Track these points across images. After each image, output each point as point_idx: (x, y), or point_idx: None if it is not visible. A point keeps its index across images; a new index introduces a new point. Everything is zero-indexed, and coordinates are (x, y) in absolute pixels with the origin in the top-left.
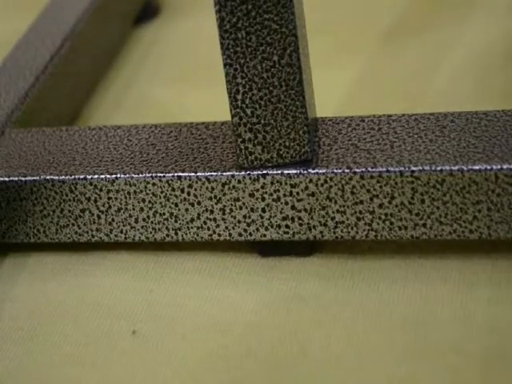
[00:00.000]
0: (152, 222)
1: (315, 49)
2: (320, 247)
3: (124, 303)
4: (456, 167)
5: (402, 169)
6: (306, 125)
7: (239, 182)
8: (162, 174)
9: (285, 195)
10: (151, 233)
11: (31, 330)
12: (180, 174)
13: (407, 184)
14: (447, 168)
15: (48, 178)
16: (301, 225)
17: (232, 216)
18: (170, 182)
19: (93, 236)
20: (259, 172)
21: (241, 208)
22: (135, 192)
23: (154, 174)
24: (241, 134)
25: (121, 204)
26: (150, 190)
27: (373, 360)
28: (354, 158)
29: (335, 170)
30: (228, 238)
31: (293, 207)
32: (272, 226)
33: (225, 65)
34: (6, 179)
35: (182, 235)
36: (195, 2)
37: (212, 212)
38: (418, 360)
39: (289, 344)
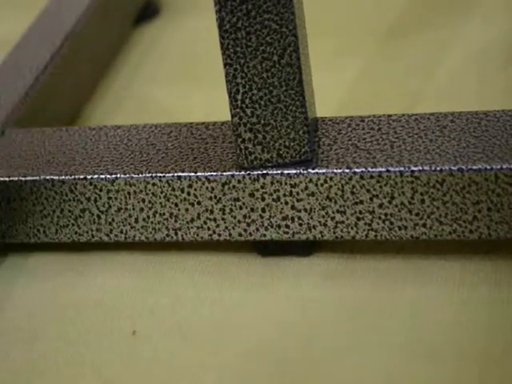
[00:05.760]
0: (152, 222)
1: (315, 49)
2: (320, 247)
3: (124, 303)
4: (456, 167)
5: (402, 169)
6: (306, 125)
7: (239, 181)
8: (161, 174)
9: (285, 195)
10: (151, 233)
11: (31, 330)
12: (180, 173)
13: (407, 184)
14: (447, 168)
15: (48, 178)
16: (301, 225)
17: (232, 216)
18: (169, 181)
19: (93, 236)
20: (259, 172)
21: (241, 208)
22: (135, 192)
23: (153, 174)
24: (241, 134)
25: (121, 204)
26: (149, 190)
27: (373, 360)
28: (353, 157)
29: (335, 170)
30: (228, 238)
31: (293, 207)
32: (272, 226)
33: (225, 65)
34: (6, 179)
35: (182, 235)
36: (195, 1)
37: (212, 212)
38: (418, 360)
39: (289, 344)
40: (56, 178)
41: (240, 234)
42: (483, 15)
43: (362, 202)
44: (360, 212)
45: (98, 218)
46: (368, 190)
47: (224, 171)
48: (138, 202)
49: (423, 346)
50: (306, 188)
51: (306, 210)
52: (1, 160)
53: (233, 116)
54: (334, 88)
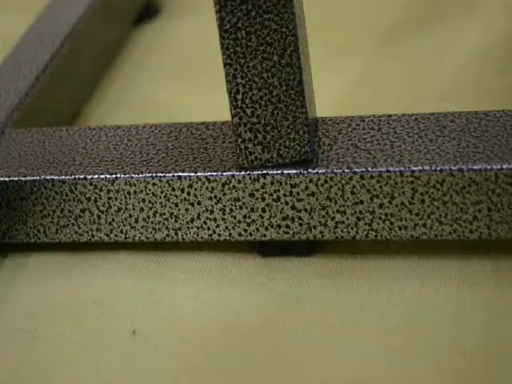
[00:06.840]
0: (152, 222)
1: (315, 49)
2: (320, 247)
3: (124, 303)
4: (456, 167)
5: (402, 169)
6: (306, 125)
7: (239, 182)
8: (162, 174)
9: (285, 195)
10: (151, 233)
11: (31, 331)
12: (180, 173)
13: (407, 184)
14: (447, 168)
15: (48, 177)
16: (301, 225)
17: (232, 216)
18: (170, 181)
19: (93, 236)
20: (259, 172)
21: (241, 208)
22: (135, 192)
23: (153, 174)
24: (241, 134)
25: (121, 204)
26: (150, 190)
27: (372, 360)
28: (354, 157)
29: (335, 170)
30: (228, 238)
31: (293, 207)
32: (272, 226)
33: (225, 65)
34: (6, 179)
35: (182, 235)
36: (196, 1)
37: (212, 212)
38: (418, 360)
39: (289, 344)
40: (56, 177)
41: (240, 234)
42: (483, 15)
43: (362, 202)
44: (360, 212)
45: (98, 218)
46: (368, 190)
47: (224, 171)
48: (138, 202)
49: (423, 346)
50: (306, 188)
51: (306, 210)
52: (1, 160)
53: (233, 116)
54: (334, 88)
